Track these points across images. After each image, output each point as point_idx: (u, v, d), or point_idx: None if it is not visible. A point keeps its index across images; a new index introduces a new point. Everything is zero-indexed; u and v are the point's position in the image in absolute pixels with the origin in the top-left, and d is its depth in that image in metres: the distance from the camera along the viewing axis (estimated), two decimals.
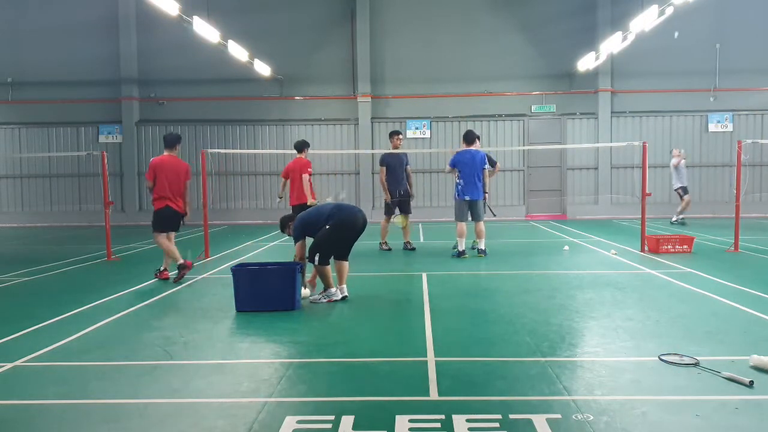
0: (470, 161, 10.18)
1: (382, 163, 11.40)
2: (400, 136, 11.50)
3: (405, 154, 11.61)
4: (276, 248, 12.49)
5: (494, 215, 12.04)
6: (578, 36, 19.15)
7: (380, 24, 19.84)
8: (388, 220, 11.43)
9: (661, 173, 19.61)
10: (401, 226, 11.29)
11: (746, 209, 14.87)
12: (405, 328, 5.76)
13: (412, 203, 11.62)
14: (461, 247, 10.31)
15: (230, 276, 6.69)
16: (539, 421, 3.50)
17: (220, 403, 3.88)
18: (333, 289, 7.02)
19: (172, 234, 8.68)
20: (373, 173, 19.06)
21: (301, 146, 10.20)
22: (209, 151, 12.17)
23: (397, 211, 11.36)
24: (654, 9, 13.22)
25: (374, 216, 12.29)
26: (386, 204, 11.33)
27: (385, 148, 14.57)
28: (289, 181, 10.10)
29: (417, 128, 19.95)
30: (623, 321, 5.82)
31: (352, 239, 7.12)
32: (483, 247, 10.47)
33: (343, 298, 7.01)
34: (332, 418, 3.57)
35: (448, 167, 10.69)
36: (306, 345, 5.22)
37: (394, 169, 11.25)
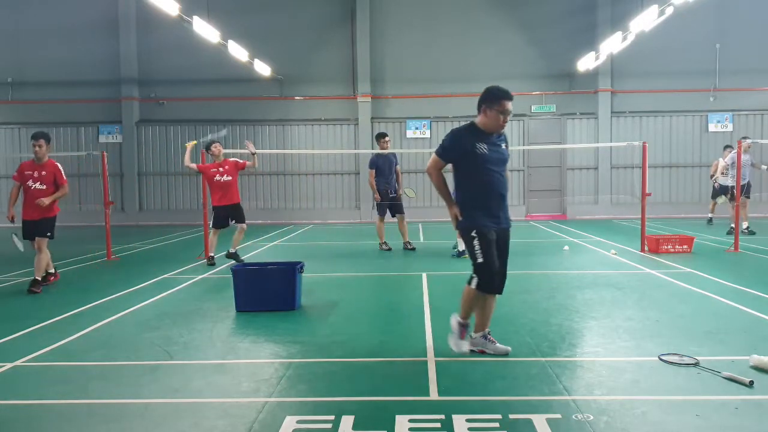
0: None
1: (371, 166, 11.43)
2: (387, 139, 11.50)
3: (394, 155, 11.66)
4: (276, 248, 12.50)
5: None
6: (578, 36, 19.16)
7: (380, 24, 19.84)
8: (382, 219, 11.45)
9: (661, 173, 19.64)
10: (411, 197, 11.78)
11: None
12: (405, 328, 5.76)
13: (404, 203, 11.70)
14: (461, 247, 10.31)
15: (230, 276, 6.69)
16: (539, 421, 3.50)
17: (220, 403, 3.88)
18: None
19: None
20: None
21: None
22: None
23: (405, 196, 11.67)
24: (654, 9, 13.23)
25: (372, 216, 12.34)
26: (379, 204, 11.34)
27: None
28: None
29: (417, 128, 19.96)
30: (623, 321, 5.82)
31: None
32: None
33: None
34: (332, 418, 3.58)
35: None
36: (306, 345, 5.22)
37: (384, 170, 11.30)
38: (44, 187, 7.98)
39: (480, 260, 4.64)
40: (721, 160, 14.62)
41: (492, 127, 4.66)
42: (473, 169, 4.67)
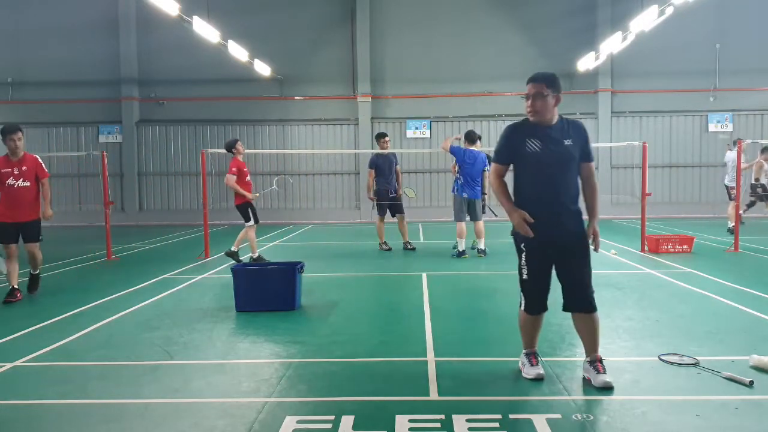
0: (472, 161, 10.19)
1: (371, 166, 11.43)
2: (387, 138, 11.51)
3: (394, 155, 11.67)
4: (276, 248, 12.50)
5: (495, 215, 12.00)
6: (578, 36, 19.16)
7: (380, 24, 19.83)
8: (382, 219, 11.45)
9: (661, 173, 19.64)
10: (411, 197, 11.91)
11: None
12: (405, 328, 5.76)
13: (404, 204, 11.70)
14: (461, 247, 10.31)
15: (230, 276, 6.69)
16: (539, 421, 3.50)
17: (220, 403, 3.88)
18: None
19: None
20: None
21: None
22: (209, 151, 12.16)
23: (405, 194, 11.77)
24: (654, 9, 13.23)
25: (372, 216, 12.33)
26: (379, 204, 11.33)
27: None
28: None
29: (417, 128, 19.95)
30: (623, 321, 5.82)
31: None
32: (483, 247, 10.47)
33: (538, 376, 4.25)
34: (332, 418, 3.58)
35: (445, 147, 10.56)
36: (306, 345, 5.22)
37: (384, 170, 11.31)
38: (27, 183, 7.27)
39: (525, 277, 4.31)
40: (763, 161, 13.31)
41: (529, 116, 4.15)
42: (525, 171, 4.16)
